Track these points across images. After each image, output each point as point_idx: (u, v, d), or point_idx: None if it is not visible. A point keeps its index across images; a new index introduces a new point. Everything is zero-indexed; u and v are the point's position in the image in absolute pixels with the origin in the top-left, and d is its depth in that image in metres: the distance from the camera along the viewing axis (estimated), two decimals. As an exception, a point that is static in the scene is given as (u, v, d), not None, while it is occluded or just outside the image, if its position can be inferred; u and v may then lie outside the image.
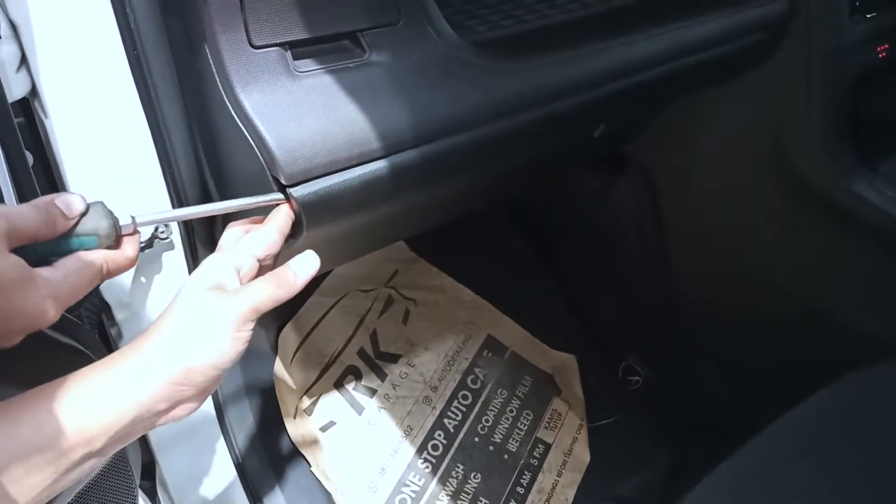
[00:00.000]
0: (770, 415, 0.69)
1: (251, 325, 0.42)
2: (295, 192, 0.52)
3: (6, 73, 0.54)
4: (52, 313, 0.37)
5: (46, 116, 0.57)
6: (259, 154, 0.51)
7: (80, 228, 0.41)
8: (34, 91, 0.57)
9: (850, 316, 0.97)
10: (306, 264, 0.47)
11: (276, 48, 0.54)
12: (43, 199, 0.40)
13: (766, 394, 0.97)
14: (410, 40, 0.60)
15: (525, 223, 1.47)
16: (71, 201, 0.41)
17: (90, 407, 0.37)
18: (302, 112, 0.53)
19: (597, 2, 0.80)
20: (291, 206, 0.53)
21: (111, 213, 0.43)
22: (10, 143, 0.51)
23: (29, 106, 0.62)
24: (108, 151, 0.60)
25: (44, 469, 0.35)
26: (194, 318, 0.41)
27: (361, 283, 1.27)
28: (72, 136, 0.58)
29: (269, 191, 0.53)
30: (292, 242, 0.55)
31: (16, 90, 0.56)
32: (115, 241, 0.43)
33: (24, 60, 0.55)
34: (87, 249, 0.42)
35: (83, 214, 0.41)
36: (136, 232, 0.44)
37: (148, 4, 0.54)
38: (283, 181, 0.52)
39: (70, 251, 0.41)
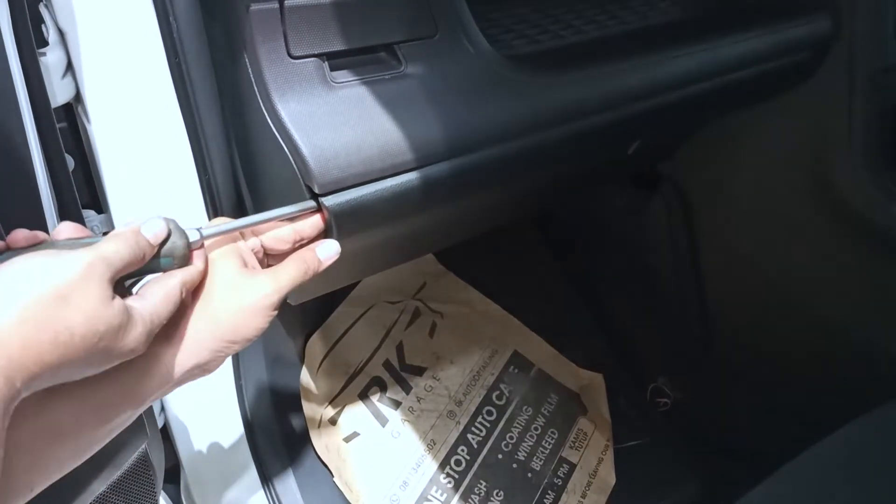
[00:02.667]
0: (802, 441, 0.67)
1: (279, 305, 0.47)
2: (327, 201, 0.52)
3: (51, 79, 0.55)
4: (145, 345, 0.38)
5: (88, 121, 0.58)
6: (293, 162, 0.52)
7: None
8: (78, 96, 0.59)
9: (888, 343, 0.94)
10: (329, 249, 0.52)
11: (314, 59, 0.54)
12: (130, 231, 0.40)
13: (798, 420, 0.94)
14: (446, 53, 0.60)
15: (555, 239, 1.46)
16: (157, 230, 0.41)
17: (155, 370, 0.42)
18: (337, 122, 0.53)
19: (634, 18, 0.79)
20: (323, 217, 0.53)
21: (183, 231, 0.43)
22: (51, 147, 0.52)
23: (72, 111, 0.63)
24: (146, 156, 0.61)
25: (128, 410, 0.41)
26: (235, 300, 0.45)
27: (389, 295, 1.27)
28: (112, 141, 0.59)
29: (302, 199, 0.53)
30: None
31: (60, 96, 0.57)
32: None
33: (69, 66, 0.57)
34: (162, 270, 0.42)
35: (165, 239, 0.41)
36: (202, 245, 0.45)
37: (191, 14, 0.55)
38: (315, 190, 0.52)
39: (147, 273, 0.41)
